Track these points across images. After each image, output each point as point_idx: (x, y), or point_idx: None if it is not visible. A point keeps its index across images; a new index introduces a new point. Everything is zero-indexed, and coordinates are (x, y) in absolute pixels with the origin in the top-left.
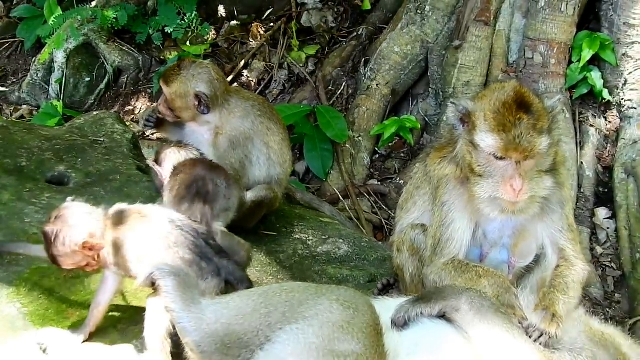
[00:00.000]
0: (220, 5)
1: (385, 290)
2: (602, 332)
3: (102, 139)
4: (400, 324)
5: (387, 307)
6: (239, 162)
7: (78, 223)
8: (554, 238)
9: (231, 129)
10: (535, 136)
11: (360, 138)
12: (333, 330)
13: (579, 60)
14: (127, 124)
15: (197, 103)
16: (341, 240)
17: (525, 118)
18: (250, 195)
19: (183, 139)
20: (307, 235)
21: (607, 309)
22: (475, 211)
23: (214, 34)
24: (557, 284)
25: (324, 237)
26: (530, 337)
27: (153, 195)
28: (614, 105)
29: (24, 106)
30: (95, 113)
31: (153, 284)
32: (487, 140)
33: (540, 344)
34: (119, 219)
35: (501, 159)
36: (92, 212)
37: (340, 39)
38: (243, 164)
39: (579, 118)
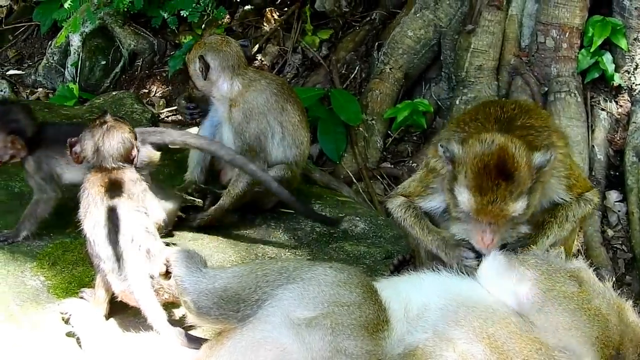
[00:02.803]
0: None
1: (401, 266)
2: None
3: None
4: None
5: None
6: (253, 136)
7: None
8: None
9: (244, 102)
10: (510, 203)
11: (373, 121)
12: (332, 287)
13: (590, 45)
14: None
15: (200, 68)
16: (358, 218)
17: (503, 185)
18: None
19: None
20: (324, 213)
21: (618, 291)
22: None
23: (228, 19)
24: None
25: (340, 215)
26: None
27: (172, 172)
28: (625, 90)
29: (40, 89)
30: (114, 93)
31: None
32: (463, 197)
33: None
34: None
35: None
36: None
37: (353, 23)
38: (258, 139)
39: (591, 102)
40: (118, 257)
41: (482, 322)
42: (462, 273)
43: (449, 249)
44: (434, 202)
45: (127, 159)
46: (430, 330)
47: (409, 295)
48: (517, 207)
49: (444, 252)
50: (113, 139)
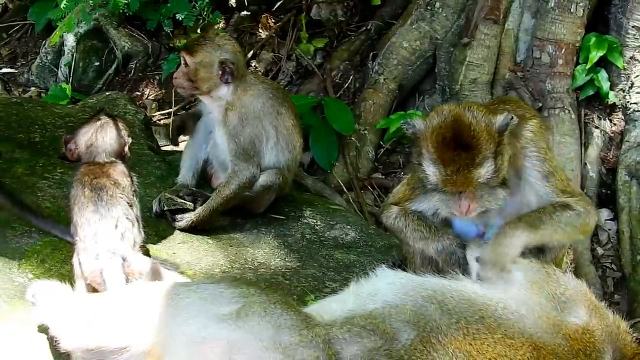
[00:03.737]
0: None
1: None
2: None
3: None
4: None
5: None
6: (248, 140)
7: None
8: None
9: (241, 106)
10: (474, 170)
11: (365, 131)
12: (229, 288)
13: (586, 62)
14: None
15: (220, 72)
16: (348, 227)
17: (463, 154)
18: (260, 180)
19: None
20: (315, 220)
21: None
22: None
23: (223, 24)
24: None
25: (331, 223)
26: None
27: (163, 174)
28: (620, 108)
29: (33, 88)
30: (107, 93)
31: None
32: (429, 169)
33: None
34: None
35: None
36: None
37: (349, 32)
38: (252, 143)
39: (584, 119)
40: (95, 237)
41: (432, 292)
42: (466, 276)
43: (459, 247)
44: (424, 204)
45: (120, 154)
46: (379, 301)
47: (360, 283)
48: (482, 172)
49: (453, 249)
50: (107, 135)
